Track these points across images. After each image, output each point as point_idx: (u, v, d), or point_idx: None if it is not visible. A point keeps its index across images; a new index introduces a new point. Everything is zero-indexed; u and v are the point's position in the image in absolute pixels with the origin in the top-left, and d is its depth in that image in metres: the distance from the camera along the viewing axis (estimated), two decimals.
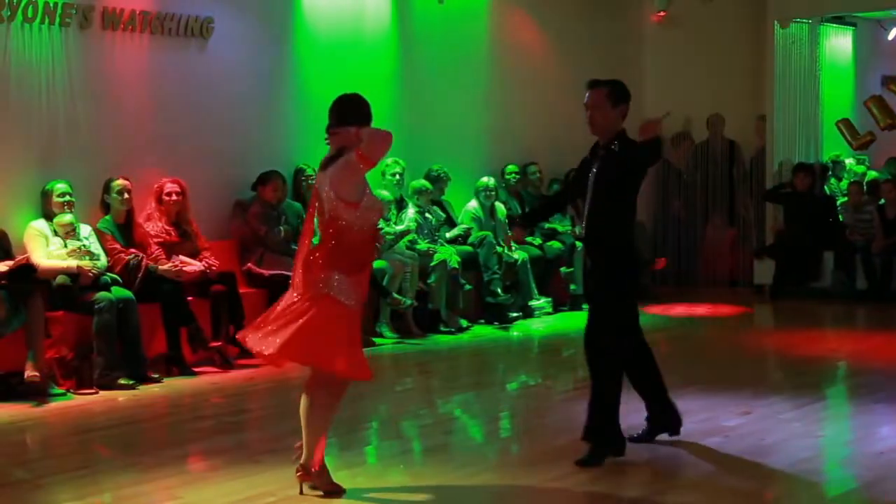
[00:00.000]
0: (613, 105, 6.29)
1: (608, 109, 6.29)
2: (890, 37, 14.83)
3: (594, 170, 6.34)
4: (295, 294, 5.65)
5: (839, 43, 15.25)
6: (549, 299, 12.10)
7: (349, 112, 5.71)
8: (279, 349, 5.55)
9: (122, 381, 8.40)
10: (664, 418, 6.65)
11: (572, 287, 12.26)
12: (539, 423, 7.57)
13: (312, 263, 5.62)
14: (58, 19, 9.06)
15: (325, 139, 5.78)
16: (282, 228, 10.00)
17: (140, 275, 8.93)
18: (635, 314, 6.47)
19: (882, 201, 13.32)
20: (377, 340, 10.27)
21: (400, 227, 10.89)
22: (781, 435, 6.90)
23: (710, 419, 7.23)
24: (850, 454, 6.71)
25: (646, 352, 6.57)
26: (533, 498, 5.89)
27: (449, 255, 11.07)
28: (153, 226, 9.35)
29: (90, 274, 8.56)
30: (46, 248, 8.60)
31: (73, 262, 8.55)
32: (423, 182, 11.41)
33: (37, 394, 8.08)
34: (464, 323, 11.05)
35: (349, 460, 6.31)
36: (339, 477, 5.78)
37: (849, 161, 14.96)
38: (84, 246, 8.70)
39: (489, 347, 10.68)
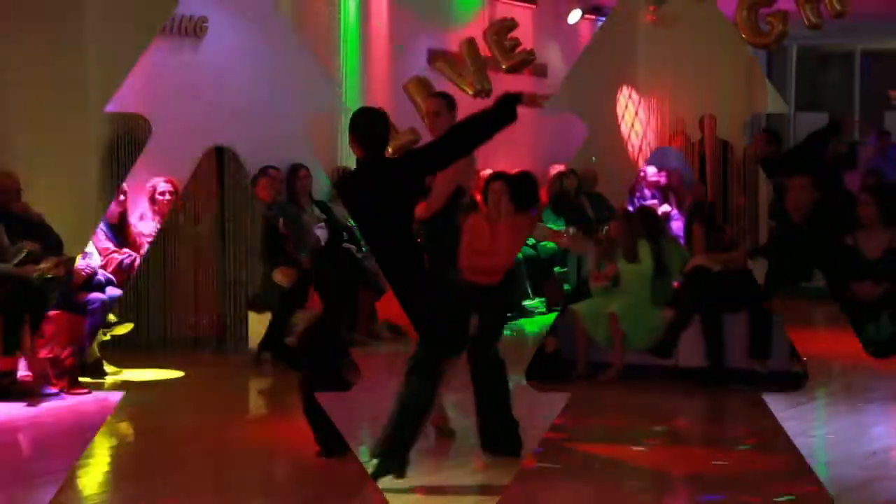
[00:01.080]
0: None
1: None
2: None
3: None
4: None
5: None
6: (543, 299, 12.09)
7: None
8: None
9: None
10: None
11: (566, 287, 12.23)
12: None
13: None
14: None
15: None
16: None
17: (133, 274, 8.92)
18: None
19: None
20: (374, 339, 10.26)
21: None
22: None
23: None
24: (843, 453, 6.71)
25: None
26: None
27: None
28: (146, 225, 9.33)
29: (83, 274, 8.54)
30: None
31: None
32: None
33: (29, 394, 8.07)
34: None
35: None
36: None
37: None
38: None
39: None
